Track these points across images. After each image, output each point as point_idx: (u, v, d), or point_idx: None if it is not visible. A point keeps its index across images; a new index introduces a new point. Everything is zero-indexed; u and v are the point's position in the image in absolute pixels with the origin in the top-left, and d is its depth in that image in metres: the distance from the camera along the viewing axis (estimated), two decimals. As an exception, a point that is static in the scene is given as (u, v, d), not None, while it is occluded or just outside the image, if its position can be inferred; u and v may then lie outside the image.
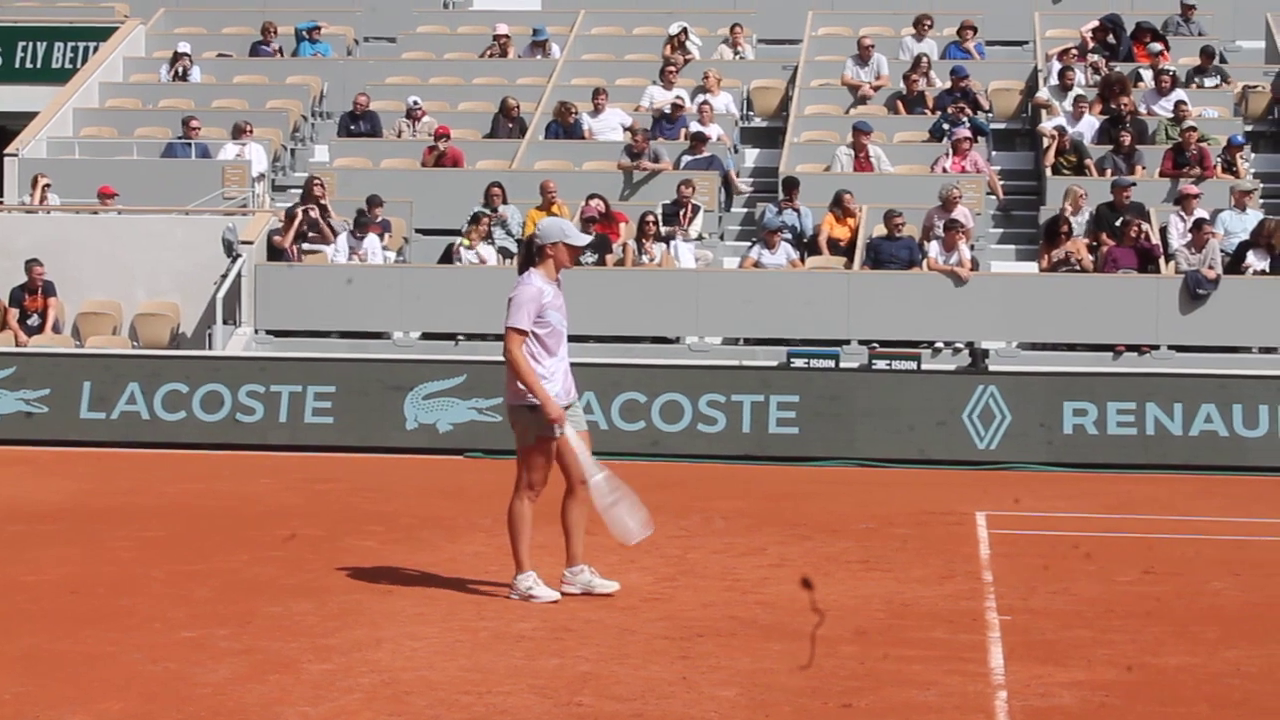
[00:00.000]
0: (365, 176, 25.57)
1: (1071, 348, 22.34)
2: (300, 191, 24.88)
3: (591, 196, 23.86)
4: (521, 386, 10.82)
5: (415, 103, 27.24)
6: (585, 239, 11.33)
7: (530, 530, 10.98)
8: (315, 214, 23.69)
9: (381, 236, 23.74)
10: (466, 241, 23.39)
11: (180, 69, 29.25)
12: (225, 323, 22.57)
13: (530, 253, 11.01)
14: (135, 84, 29.69)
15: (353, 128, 27.28)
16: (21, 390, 20.13)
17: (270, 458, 19.08)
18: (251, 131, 26.40)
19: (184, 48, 29.47)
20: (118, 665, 9.09)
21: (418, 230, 24.96)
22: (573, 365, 11.18)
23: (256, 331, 22.89)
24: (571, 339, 22.53)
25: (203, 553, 12.72)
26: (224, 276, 22.74)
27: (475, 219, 23.54)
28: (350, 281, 22.82)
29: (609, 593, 11.13)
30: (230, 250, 22.78)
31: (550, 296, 10.88)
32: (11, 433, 19.96)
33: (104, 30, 31.11)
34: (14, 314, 22.92)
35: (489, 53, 29.85)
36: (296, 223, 23.38)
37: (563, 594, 11.06)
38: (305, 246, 23.56)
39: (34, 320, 22.87)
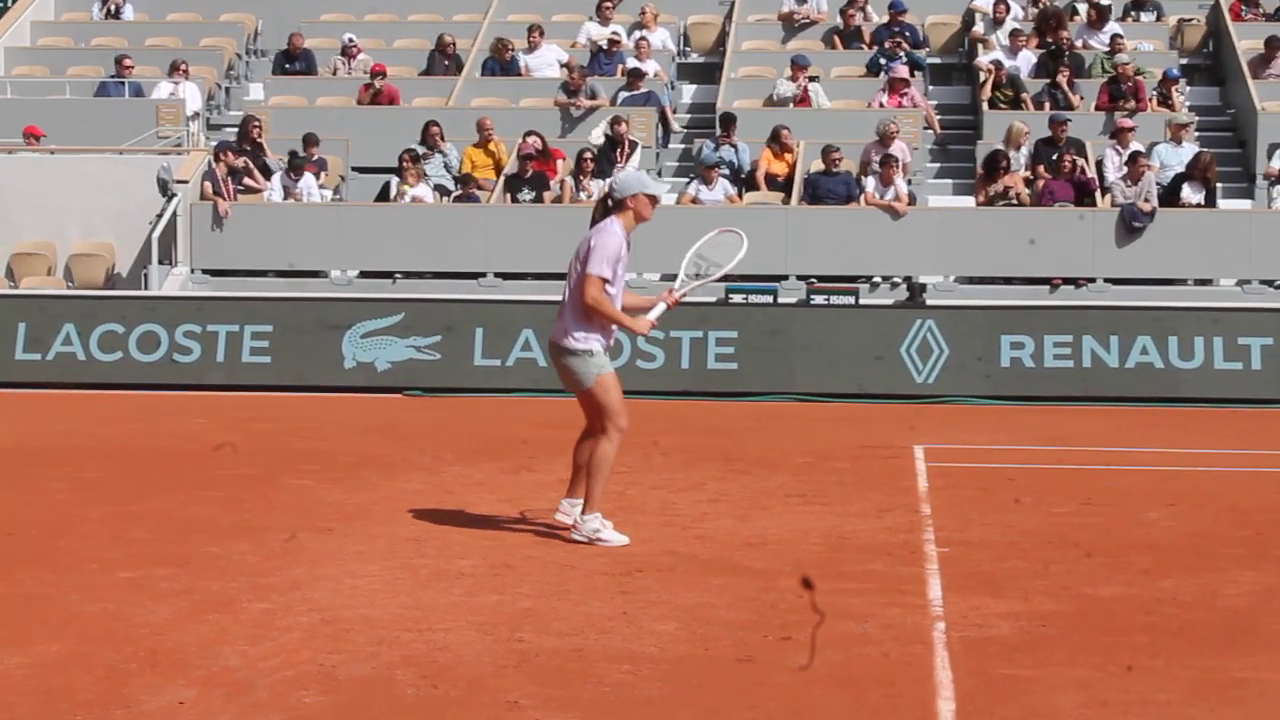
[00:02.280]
0: (300, 115, 25.40)
1: (1008, 281, 22.43)
2: (236, 130, 24.70)
3: (529, 133, 23.76)
4: (581, 334, 10.79)
5: (350, 40, 27.06)
6: (663, 187, 11.25)
7: (610, 471, 10.91)
8: (246, 161, 23.47)
9: (317, 175, 23.60)
10: (408, 185, 23.16)
11: (112, 6, 28.96)
12: (161, 263, 22.43)
13: (607, 209, 10.88)
14: (67, 22, 29.39)
15: (288, 66, 27.09)
16: (-45, 332, 20.01)
17: (207, 397, 19.00)
18: (185, 70, 26.18)
19: (116, -15, 29.21)
20: (55, 606, 9.05)
21: (354, 168, 24.84)
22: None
23: (193, 271, 22.75)
24: (509, 276, 22.47)
25: (140, 493, 12.67)
26: (159, 216, 22.58)
27: (408, 160, 23.33)
28: (292, 265, 22.70)
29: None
30: (165, 190, 22.61)
31: (625, 250, 10.81)
32: (-54, 375, 19.83)
33: (34, -33, 30.77)
34: (-53, 255, 22.77)
35: (424, -11, 29.66)
36: (227, 161, 23.16)
37: (556, 521, 11.10)
38: (237, 187, 23.39)
39: (-33, 262, 22.74)
